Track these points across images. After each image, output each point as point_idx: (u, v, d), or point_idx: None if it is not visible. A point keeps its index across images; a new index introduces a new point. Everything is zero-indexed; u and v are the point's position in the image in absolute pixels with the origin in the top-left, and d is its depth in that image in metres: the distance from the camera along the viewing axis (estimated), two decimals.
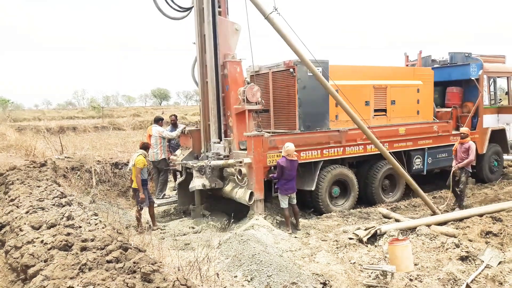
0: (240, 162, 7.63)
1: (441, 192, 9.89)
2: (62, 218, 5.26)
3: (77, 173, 10.04)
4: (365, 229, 6.49)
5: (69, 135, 22.26)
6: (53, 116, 39.69)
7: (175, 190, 9.87)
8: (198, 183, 8.00)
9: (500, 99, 12.16)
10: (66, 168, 10.01)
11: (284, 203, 7.35)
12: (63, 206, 6.06)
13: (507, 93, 12.23)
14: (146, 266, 3.66)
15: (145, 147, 8.25)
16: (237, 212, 7.95)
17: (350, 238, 6.37)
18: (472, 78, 10.82)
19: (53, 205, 6.03)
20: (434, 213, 8.01)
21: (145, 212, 8.11)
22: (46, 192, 6.72)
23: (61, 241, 4.32)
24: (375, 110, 9.53)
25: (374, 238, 6.38)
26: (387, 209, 8.36)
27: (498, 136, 11.60)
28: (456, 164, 8.69)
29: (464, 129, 8.77)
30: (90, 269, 3.74)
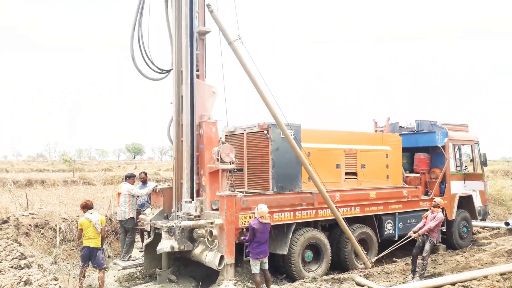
0: (211, 223, 7.50)
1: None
2: (19, 282, 4.94)
3: (40, 231, 9.58)
4: None
5: (37, 188, 21.49)
6: (22, 168, 38.47)
7: (141, 251, 9.49)
8: (166, 244, 7.74)
9: (465, 166, 12.65)
10: (30, 225, 9.55)
11: (255, 268, 7.14)
12: (22, 268, 5.71)
13: (471, 161, 12.75)
14: None
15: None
16: (206, 277, 7.67)
17: None
18: (438, 145, 11.30)
19: (11, 267, 5.69)
20: (365, 264, 8.62)
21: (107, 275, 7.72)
22: (5, 253, 6.35)
23: None
24: (346, 173, 9.72)
25: None
26: (360, 275, 8.26)
27: (466, 202, 11.92)
28: (413, 230, 8.84)
29: (437, 200, 8.99)
30: None
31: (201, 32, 8.44)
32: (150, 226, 8.66)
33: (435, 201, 8.88)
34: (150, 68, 8.80)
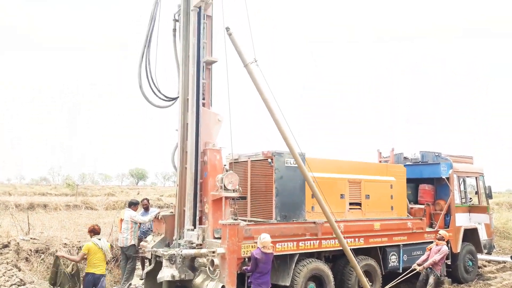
0: (213, 252, 7.42)
1: None
2: None
3: (41, 256, 9.50)
4: None
5: (39, 212, 21.42)
6: (24, 191, 38.43)
7: (142, 279, 9.36)
8: (167, 273, 7.63)
9: (470, 199, 12.56)
10: (30, 250, 9.49)
11: None
12: None
13: (476, 193, 12.66)
14: None
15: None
16: None
17: None
18: (443, 177, 11.25)
19: None
20: None
21: None
22: (4, 278, 6.31)
23: None
24: (350, 204, 9.65)
25: None
26: None
27: (471, 235, 11.76)
28: (417, 263, 8.70)
29: (442, 232, 8.89)
30: None
31: (208, 62, 8.60)
32: (151, 254, 8.57)
33: (440, 234, 8.77)
34: (157, 96, 8.93)
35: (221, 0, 8.35)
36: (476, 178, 12.51)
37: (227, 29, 8.06)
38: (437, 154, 11.80)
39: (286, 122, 7.93)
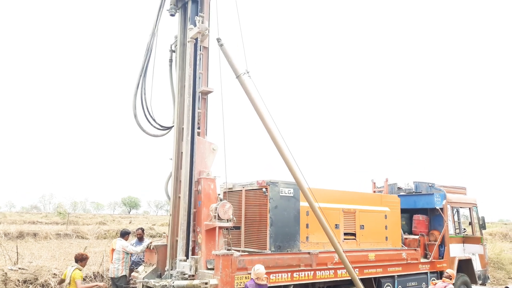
0: (206, 283, 7.28)
1: None
2: None
3: (29, 286, 9.27)
4: None
5: (28, 241, 21.02)
6: (14, 219, 37.76)
7: None
8: None
9: (464, 229, 12.55)
10: (18, 280, 9.27)
11: None
12: None
13: (470, 223, 12.67)
14: None
15: (80, 259, 7.86)
16: None
17: None
18: (437, 208, 11.28)
19: None
20: None
21: None
22: None
23: None
24: (345, 234, 9.61)
25: None
26: None
27: (465, 266, 11.69)
28: None
29: (450, 271, 8.87)
30: None
31: (204, 92, 8.72)
32: (143, 285, 8.39)
33: (447, 272, 8.78)
34: (152, 125, 8.99)
35: (216, 14, 8.56)
36: (469, 208, 12.55)
37: (218, 40, 8.19)
38: (430, 185, 11.86)
39: (287, 145, 7.94)
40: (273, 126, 7.96)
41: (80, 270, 7.56)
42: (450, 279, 8.62)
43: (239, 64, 8.15)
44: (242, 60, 8.15)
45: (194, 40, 8.56)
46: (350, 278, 8.95)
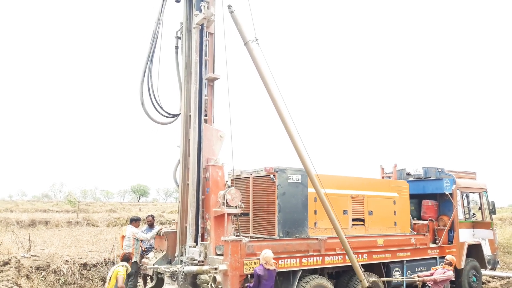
0: (215, 269, 7.35)
1: None
2: None
3: (41, 273, 9.44)
4: None
5: (40, 229, 21.37)
6: (26, 208, 38.35)
7: None
8: None
9: (474, 214, 12.48)
10: (31, 267, 9.43)
11: None
12: None
13: (480, 208, 12.58)
14: None
15: (126, 258, 8.09)
16: None
17: None
18: (446, 193, 11.20)
19: None
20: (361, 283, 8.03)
21: None
22: None
23: None
24: (353, 220, 9.60)
25: None
26: None
27: (474, 251, 11.65)
28: (418, 275, 8.70)
29: (450, 257, 8.82)
30: None
31: (210, 79, 8.68)
32: (153, 271, 8.51)
33: (447, 259, 8.73)
34: (159, 112, 8.99)
35: None
36: (479, 193, 12.45)
37: (229, 6, 8.08)
38: (439, 170, 11.77)
39: (292, 118, 7.85)
40: (278, 97, 7.89)
41: (125, 268, 7.77)
42: (450, 265, 8.58)
43: (248, 31, 8.02)
44: (251, 29, 8.03)
45: (200, 26, 8.48)
46: (360, 263, 8.99)
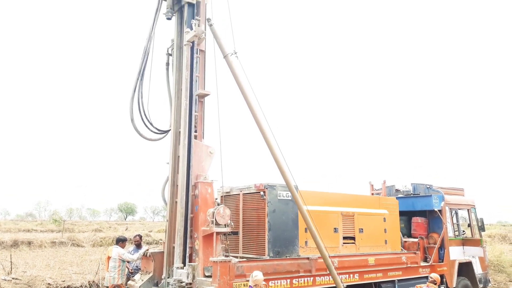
0: None
1: None
2: None
3: None
4: None
5: (23, 250, 20.74)
6: (9, 227, 37.32)
7: None
8: None
9: (463, 231, 12.47)
10: None
11: None
12: None
13: (469, 225, 12.59)
14: None
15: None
16: None
17: None
18: (435, 209, 11.19)
19: None
20: None
21: None
22: None
23: None
24: (344, 238, 9.49)
25: None
26: None
27: (465, 269, 11.59)
28: None
29: (434, 276, 8.75)
30: None
31: (201, 95, 8.62)
32: None
33: (431, 277, 8.65)
34: (149, 128, 8.87)
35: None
36: (468, 210, 12.48)
37: (208, 20, 8.18)
38: (428, 186, 11.79)
39: (272, 132, 7.84)
40: (257, 109, 7.90)
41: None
42: (435, 283, 8.50)
43: (228, 44, 8.12)
44: (231, 41, 8.15)
45: (191, 44, 8.48)
46: (351, 283, 8.85)
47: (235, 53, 8.06)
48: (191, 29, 8.37)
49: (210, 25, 8.18)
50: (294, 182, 7.97)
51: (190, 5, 8.73)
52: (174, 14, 8.99)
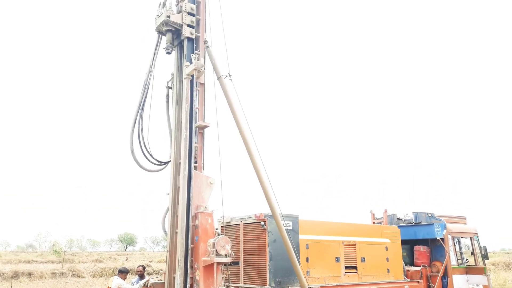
0: None
1: None
2: None
3: None
4: None
5: (23, 281, 20.52)
6: (9, 259, 37.01)
7: None
8: None
9: (466, 260, 12.35)
10: None
11: None
12: None
13: (472, 253, 12.48)
14: None
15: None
16: None
17: None
18: (438, 238, 11.14)
19: None
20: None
21: None
22: None
23: None
24: (346, 267, 9.43)
25: None
26: None
27: None
28: None
29: None
30: None
31: (200, 127, 8.77)
32: None
33: None
34: (149, 160, 8.99)
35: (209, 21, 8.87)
36: (470, 238, 12.40)
37: (205, 42, 8.38)
38: (430, 215, 11.77)
39: (260, 156, 7.95)
40: (248, 133, 8.03)
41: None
42: None
43: (222, 66, 8.38)
44: (225, 64, 8.42)
45: (190, 77, 8.69)
46: None
47: (229, 75, 8.30)
48: (191, 63, 8.61)
49: (207, 47, 8.44)
50: (280, 211, 8.02)
51: (190, 39, 9.00)
52: (173, 49, 9.25)
